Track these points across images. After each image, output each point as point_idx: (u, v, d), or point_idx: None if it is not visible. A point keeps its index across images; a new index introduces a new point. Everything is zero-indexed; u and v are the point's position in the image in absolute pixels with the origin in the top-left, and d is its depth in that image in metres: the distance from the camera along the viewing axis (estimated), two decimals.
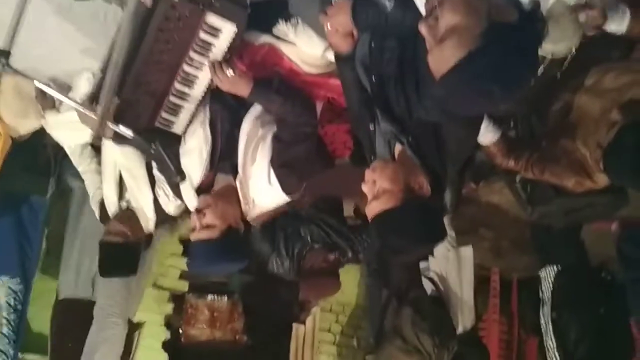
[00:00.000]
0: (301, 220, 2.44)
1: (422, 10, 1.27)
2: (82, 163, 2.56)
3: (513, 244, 3.82)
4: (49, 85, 2.24)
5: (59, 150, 2.90)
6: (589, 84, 1.75)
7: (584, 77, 1.76)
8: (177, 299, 4.40)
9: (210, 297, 4.61)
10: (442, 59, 1.13)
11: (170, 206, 2.28)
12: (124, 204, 2.47)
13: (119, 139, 1.82)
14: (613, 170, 1.70)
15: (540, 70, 1.67)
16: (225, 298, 4.65)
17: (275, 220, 2.30)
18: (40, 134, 2.73)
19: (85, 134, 2.40)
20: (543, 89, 1.78)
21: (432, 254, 2.72)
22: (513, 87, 1.13)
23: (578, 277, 2.47)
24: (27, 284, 3.16)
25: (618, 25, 1.62)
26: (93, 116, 1.62)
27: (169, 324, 4.31)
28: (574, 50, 1.65)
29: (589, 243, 2.58)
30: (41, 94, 2.44)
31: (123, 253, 2.32)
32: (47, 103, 2.45)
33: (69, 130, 2.44)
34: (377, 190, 1.50)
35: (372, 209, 1.49)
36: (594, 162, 1.74)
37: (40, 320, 3.28)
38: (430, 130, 1.54)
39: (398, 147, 1.61)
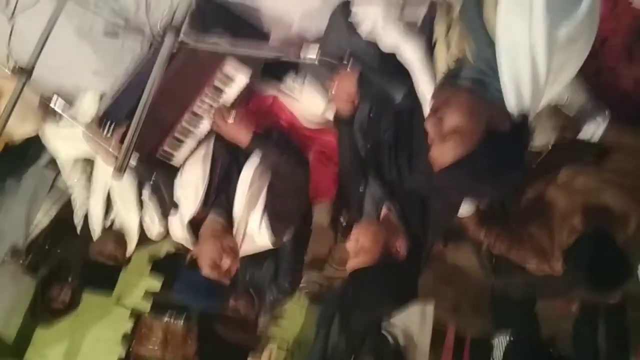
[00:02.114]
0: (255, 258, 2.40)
1: (426, 107, 1.42)
2: (72, 176, 2.60)
3: (471, 305, 3.97)
4: (55, 97, 2.32)
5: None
6: (562, 180, 1.93)
7: (557, 172, 1.94)
8: (139, 317, 4.37)
9: (166, 319, 4.58)
10: (442, 154, 1.28)
11: (154, 231, 2.34)
12: (107, 222, 2.52)
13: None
14: (570, 273, 1.89)
15: None
16: (181, 322, 4.63)
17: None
18: None
19: (81, 150, 2.47)
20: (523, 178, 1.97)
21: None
22: (500, 188, 1.29)
23: (528, 350, 2.61)
24: None
25: (592, 134, 1.82)
26: (104, 145, 1.72)
27: (124, 342, 4.27)
28: (550, 146, 1.84)
29: (542, 315, 2.74)
30: (44, 104, 2.50)
31: (108, 273, 2.37)
32: (48, 114, 2.51)
33: (66, 144, 2.50)
34: (359, 248, 1.64)
35: (350, 265, 1.63)
36: (555, 255, 1.92)
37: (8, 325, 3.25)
38: (417, 201, 1.68)
39: (384, 211, 1.75)
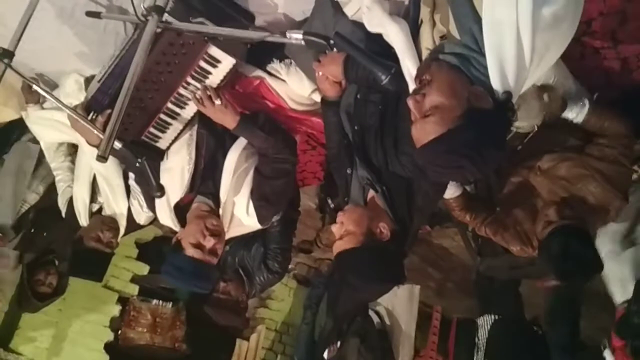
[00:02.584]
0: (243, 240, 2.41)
1: (411, 84, 1.42)
2: (55, 159, 2.58)
3: (457, 287, 4.03)
4: (37, 81, 2.28)
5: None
6: (545, 167, 1.94)
7: (542, 156, 1.95)
8: (125, 301, 4.38)
9: (155, 302, 4.60)
10: (423, 132, 1.29)
11: (142, 217, 2.33)
12: (94, 206, 2.51)
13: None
14: (543, 263, 1.95)
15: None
16: (170, 305, 4.65)
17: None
18: None
19: (66, 135, 2.45)
20: (504, 157, 1.98)
21: None
22: (482, 165, 1.29)
23: (512, 329, 2.66)
24: None
25: (576, 114, 1.84)
26: (90, 127, 1.70)
27: (113, 326, 4.28)
28: (536, 127, 1.85)
29: (525, 296, 2.79)
30: (27, 87, 2.47)
31: (98, 259, 2.36)
32: (31, 97, 2.48)
33: (50, 128, 2.47)
34: (343, 231, 1.66)
35: (336, 248, 1.66)
36: (535, 242, 1.96)
37: None
38: (403, 183, 1.69)
39: (371, 194, 1.75)
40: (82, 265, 2.41)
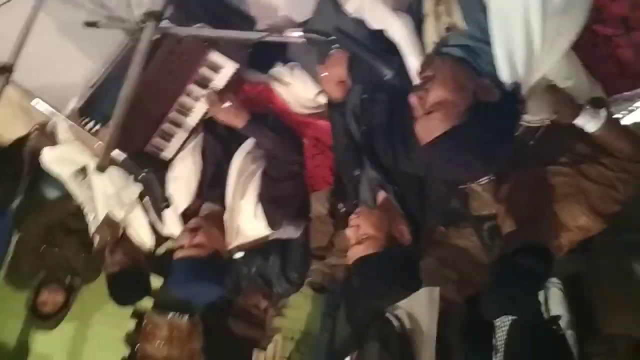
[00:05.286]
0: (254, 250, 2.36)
1: (415, 81, 1.38)
2: (81, 194, 2.55)
3: (476, 288, 3.94)
4: (40, 98, 2.27)
5: (34, 156, 2.90)
6: (563, 176, 1.79)
7: (557, 156, 1.84)
8: (138, 316, 4.36)
9: (170, 314, 4.57)
10: (427, 129, 1.24)
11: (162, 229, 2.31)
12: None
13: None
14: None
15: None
16: (186, 317, 4.62)
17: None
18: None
19: (75, 161, 2.41)
20: (515, 152, 1.90)
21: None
22: (490, 161, 1.24)
23: (532, 330, 2.58)
24: None
25: (586, 123, 1.63)
26: (89, 136, 1.68)
27: (129, 341, 4.26)
28: (548, 121, 1.77)
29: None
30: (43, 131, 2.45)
31: (129, 279, 2.33)
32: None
33: (64, 163, 2.44)
34: (360, 235, 1.60)
35: (355, 253, 1.59)
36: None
37: (5, 329, 3.23)
38: (415, 182, 1.65)
39: (382, 195, 1.71)
40: (119, 292, 2.38)
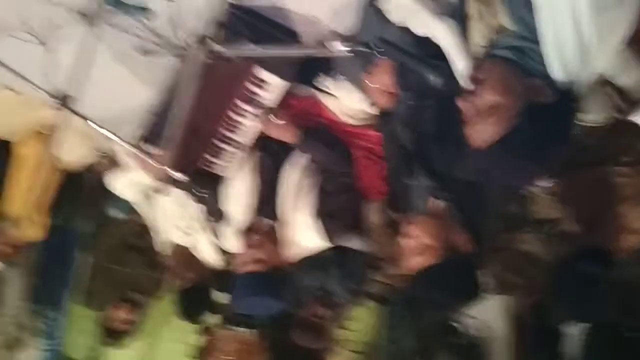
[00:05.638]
0: (314, 262, 2.34)
1: (463, 84, 1.35)
2: (146, 215, 2.65)
3: (541, 293, 3.77)
4: (100, 126, 2.37)
5: (101, 181, 3.04)
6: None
7: (618, 156, 1.75)
8: (205, 331, 4.45)
9: (238, 329, 4.64)
10: (479, 134, 1.21)
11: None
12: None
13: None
14: None
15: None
16: (253, 331, 4.68)
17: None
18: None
19: (139, 184, 2.51)
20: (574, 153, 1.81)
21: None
22: (546, 164, 1.19)
23: (611, 337, 2.44)
24: (59, 310, 3.27)
25: None
26: (151, 161, 1.74)
27: (197, 356, 4.35)
28: (606, 119, 1.68)
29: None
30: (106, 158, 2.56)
31: (196, 295, 2.41)
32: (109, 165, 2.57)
33: (128, 185, 2.56)
34: (418, 245, 1.57)
35: (413, 264, 1.55)
36: None
37: (76, 346, 3.37)
38: (469, 188, 1.60)
39: (437, 203, 1.67)
40: (187, 308, 2.46)
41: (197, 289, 2.43)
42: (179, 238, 2.52)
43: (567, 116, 1.23)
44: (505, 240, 3.25)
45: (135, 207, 2.66)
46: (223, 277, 4.45)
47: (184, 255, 2.53)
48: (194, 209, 2.36)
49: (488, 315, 3.10)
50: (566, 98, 1.18)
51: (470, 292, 1.59)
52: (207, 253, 2.43)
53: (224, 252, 2.43)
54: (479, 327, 3.09)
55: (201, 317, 2.54)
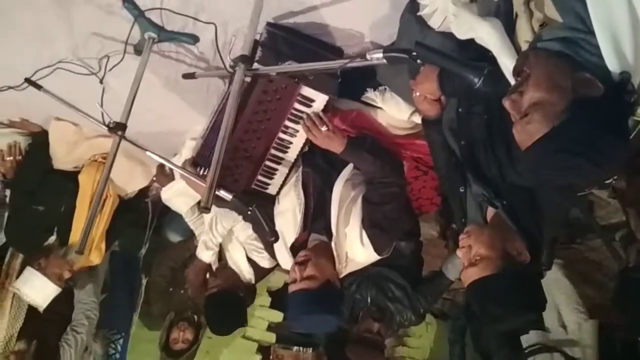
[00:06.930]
0: (367, 277, 2.35)
1: (512, 82, 1.29)
2: (197, 227, 2.70)
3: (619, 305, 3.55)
4: (153, 152, 2.43)
5: (157, 205, 3.12)
6: None
7: None
8: (265, 350, 4.46)
9: (295, 348, 4.63)
10: (526, 133, 1.14)
11: (265, 261, 2.39)
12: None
13: (218, 201, 1.94)
14: None
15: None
16: (311, 350, 4.65)
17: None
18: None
19: (191, 196, 2.56)
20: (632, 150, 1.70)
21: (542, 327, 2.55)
22: (602, 160, 1.11)
23: None
24: (126, 335, 3.35)
25: None
26: (201, 182, 1.76)
27: None
28: None
29: None
30: (161, 172, 2.64)
31: (225, 301, 2.42)
32: (165, 179, 2.63)
33: (181, 198, 2.61)
34: (474, 256, 1.49)
35: (469, 276, 1.48)
36: None
37: None
38: (525, 194, 1.52)
39: (490, 211, 1.60)
40: (214, 316, 2.47)
41: (226, 294, 2.43)
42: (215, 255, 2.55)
43: (622, 110, 1.14)
44: (574, 251, 3.08)
45: (188, 222, 2.71)
46: (277, 296, 4.46)
47: (223, 271, 2.55)
48: (240, 227, 2.39)
49: (586, 341, 2.90)
50: (621, 91, 1.10)
51: (531, 305, 1.48)
52: (242, 266, 2.45)
53: (262, 269, 2.45)
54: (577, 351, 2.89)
55: (226, 325, 2.54)
